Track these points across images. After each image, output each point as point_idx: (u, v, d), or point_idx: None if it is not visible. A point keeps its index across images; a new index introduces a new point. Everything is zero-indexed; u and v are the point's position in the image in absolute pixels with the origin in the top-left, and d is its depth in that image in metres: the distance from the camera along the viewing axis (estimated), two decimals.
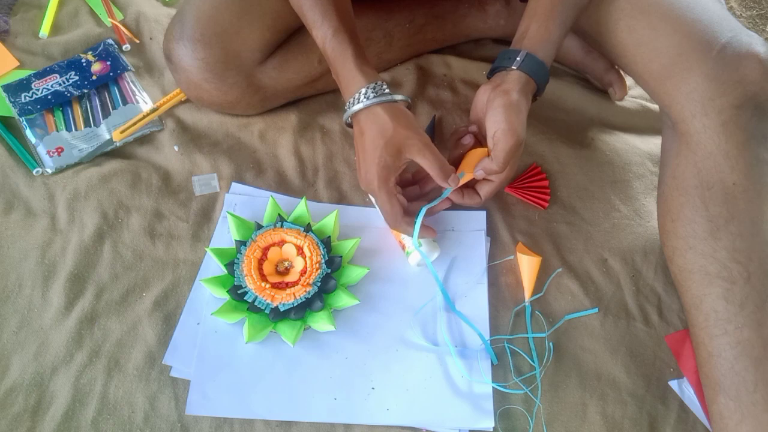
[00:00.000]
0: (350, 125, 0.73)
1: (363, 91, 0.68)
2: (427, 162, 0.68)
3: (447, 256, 0.78)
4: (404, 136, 0.68)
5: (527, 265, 0.76)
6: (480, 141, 0.73)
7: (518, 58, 0.69)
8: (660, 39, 0.68)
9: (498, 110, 0.67)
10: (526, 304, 0.75)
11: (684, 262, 0.68)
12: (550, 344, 0.73)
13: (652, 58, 0.69)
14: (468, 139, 0.73)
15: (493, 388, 0.69)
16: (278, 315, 0.69)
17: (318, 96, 0.91)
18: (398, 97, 0.70)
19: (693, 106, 0.66)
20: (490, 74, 0.73)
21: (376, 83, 0.69)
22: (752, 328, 0.64)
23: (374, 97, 0.68)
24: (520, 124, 0.67)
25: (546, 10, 0.70)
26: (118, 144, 0.84)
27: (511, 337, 0.73)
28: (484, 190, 0.73)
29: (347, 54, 0.69)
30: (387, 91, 0.69)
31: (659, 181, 0.74)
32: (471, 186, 0.74)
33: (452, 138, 0.75)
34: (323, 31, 0.70)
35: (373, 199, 0.76)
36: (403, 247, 0.76)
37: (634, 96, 0.98)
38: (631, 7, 0.71)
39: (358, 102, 0.68)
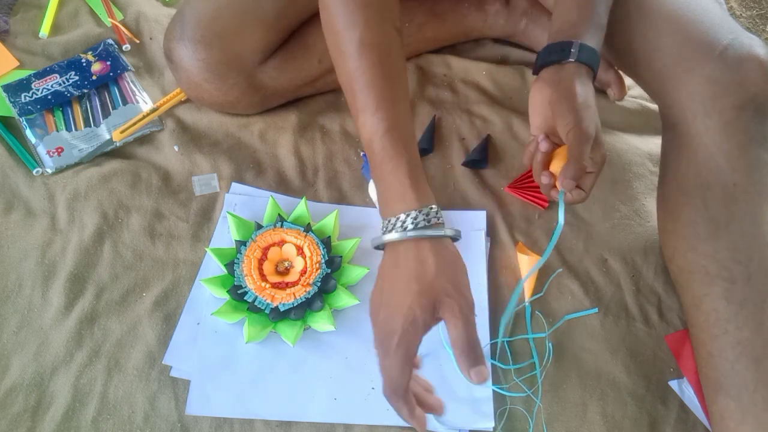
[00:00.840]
0: (380, 247, 0.58)
1: (413, 215, 0.55)
2: (458, 335, 0.52)
3: None
4: (444, 291, 0.53)
5: (527, 265, 0.76)
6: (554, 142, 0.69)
7: (573, 50, 0.64)
8: (661, 40, 0.69)
9: (566, 111, 0.63)
10: (526, 304, 0.75)
11: (684, 262, 0.68)
12: (550, 344, 0.73)
13: (654, 58, 0.69)
14: (545, 145, 0.66)
15: (492, 386, 0.70)
16: (278, 315, 0.69)
17: (318, 96, 0.91)
18: (449, 231, 0.56)
19: (694, 107, 0.66)
20: (537, 71, 0.68)
21: (430, 209, 0.55)
22: (753, 328, 0.64)
23: (424, 227, 0.54)
24: (590, 117, 0.63)
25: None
26: (118, 144, 0.84)
27: (511, 339, 0.73)
28: (587, 184, 0.66)
29: (401, 161, 0.56)
30: (441, 221, 0.56)
31: (659, 182, 0.74)
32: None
33: (526, 152, 0.69)
34: (374, 122, 0.57)
35: (384, 356, 0.54)
36: None
37: (634, 96, 0.98)
38: (632, 9, 0.71)
39: (402, 228, 0.54)
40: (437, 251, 0.55)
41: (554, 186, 0.67)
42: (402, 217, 0.55)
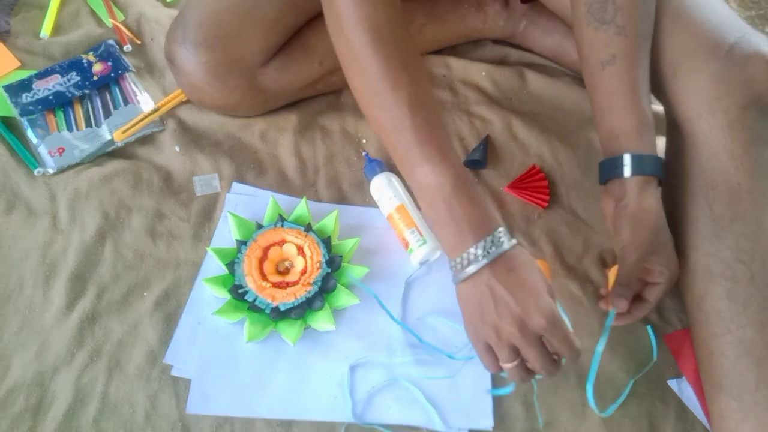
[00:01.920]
0: (464, 278, 0.60)
1: (489, 239, 0.58)
2: (558, 343, 0.57)
3: (447, 257, 0.78)
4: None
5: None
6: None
7: (626, 165, 0.64)
8: (667, 38, 0.68)
9: (620, 228, 0.64)
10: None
11: (687, 261, 0.69)
12: None
13: (660, 56, 0.69)
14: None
15: (492, 387, 0.70)
16: (279, 314, 0.69)
17: (318, 96, 0.91)
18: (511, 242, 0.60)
19: (699, 106, 0.66)
20: (603, 181, 0.68)
21: (500, 226, 0.59)
22: (755, 327, 0.64)
23: (509, 240, 0.59)
24: (641, 234, 0.63)
25: (628, 99, 0.64)
26: (119, 144, 0.84)
27: None
28: (651, 294, 0.67)
29: (476, 192, 0.60)
30: (512, 239, 0.60)
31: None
32: (638, 297, 0.68)
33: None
34: (440, 173, 0.59)
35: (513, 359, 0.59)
36: (406, 246, 0.76)
37: None
38: None
39: (507, 242, 0.58)
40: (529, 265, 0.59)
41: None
42: (496, 234, 0.58)
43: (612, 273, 0.70)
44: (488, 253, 0.58)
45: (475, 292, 0.59)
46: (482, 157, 0.86)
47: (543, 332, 0.57)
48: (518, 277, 0.58)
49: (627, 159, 0.64)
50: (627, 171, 0.64)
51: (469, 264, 0.58)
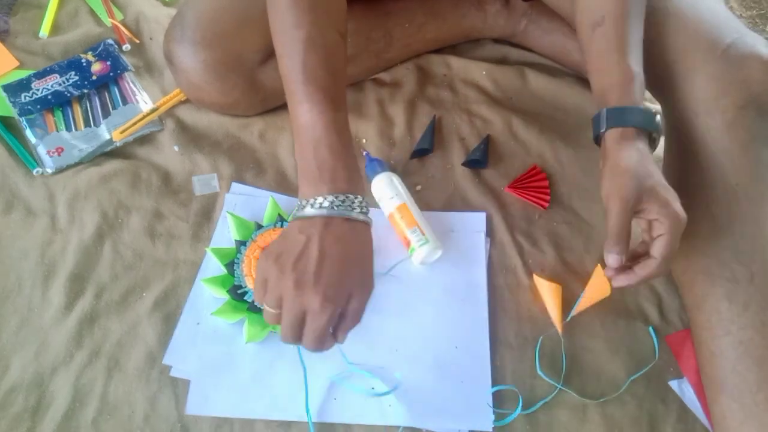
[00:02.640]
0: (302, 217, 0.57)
1: (341, 197, 0.56)
2: (350, 316, 0.56)
3: (447, 257, 0.78)
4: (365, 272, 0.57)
5: (548, 291, 0.74)
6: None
7: (601, 119, 0.61)
8: (664, 39, 0.68)
9: (603, 179, 0.60)
10: (561, 337, 0.73)
11: (687, 262, 0.68)
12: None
13: (656, 57, 0.69)
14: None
15: (492, 386, 0.70)
16: None
17: None
18: (369, 219, 0.59)
19: (697, 106, 0.66)
20: (597, 141, 0.65)
21: (355, 195, 0.58)
22: (755, 328, 0.64)
23: (360, 210, 0.57)
24: (624, 184, 0.58)
25: (614, 59, 0.62)
26: (118, 144, 0.84)
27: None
28: (657, 250, 0.60)
29: (348, 151, 0.59)
30: (365, 206, 0.58)
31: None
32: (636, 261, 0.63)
33: None
34: (315, 114, 0.58)
35: (280, 309, 0.55)
36: (407, 245, 0.76)
37: None
38: None
39: (326, 207, 0.56)
40: (359, 231, 0.57)
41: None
42: (330, 198, 0.56)
43: (596, 273, 0.71)
44: (333, 208, 0.55)
45: (295, 233, 0.56)
46: (482, 157, 0.85)
47: (306, 314, 0.54)
48: (339, 251, 0.54)
49: (604, 113, 0.61)
50: (603, 125, 0.61)
51: (311, 207, 0.56)
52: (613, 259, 0.60)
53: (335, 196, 0.56)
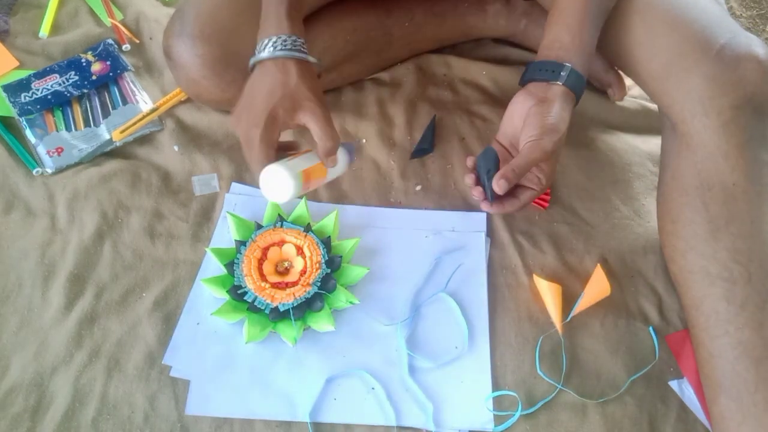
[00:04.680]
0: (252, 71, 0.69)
1: (283, 38, 0.66)
2: (318, 128, 0.65)
3: (447, 257, 0.78)
4: (306, 96, 0.65)
5: (548, 291, 0.74)
6: (508, 151, 0.72)
7: (563, 73, 0.67)
8: (658, 39, 0.69)
9: (535, 125, 0.66)
10: (561, 337, 0.73)
11: (684, 262, 0.68)
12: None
13: (651, 58, 0.69)
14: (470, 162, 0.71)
15: (493, 387, 0.70)
16: (278, 315, 0.69)
17: None
18: (312, 59, 0.68)
19: (693, 107, 0.66)
20: (524, 82, 0.71)
21: (297, 37, 0.66)
22: (753, 328, 0.64)
23: (291, 49, 0.66)
24: (552, 140, 0.65)
25: (577, 20, 0.68)
26: (117, 144, 0.84)
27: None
28: (523, 197, 0.70)
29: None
30: (305, 50, 0.67)
31: (659, 182, 0.74)
32: (511, 193, 0.71)
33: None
34: None
35: (244, 150, 0.67)
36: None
37: (634, 96, 0.98)
38: (628, 8, 0.71)
39: (272, 48, 0.66)
40: (301, 69, 0.66)
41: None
42: (274, 39, 0.66)
43: (596, 273, 0.73)
44: (284, 47, 0.65)
45: (254, 76, 0.68)
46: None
47: (245, 140, 0.65)
48: (261, 80, 0.66)
49: (566, 69, 0.67)
50: (562, 79, 0.66)
51: (264, 50, 0.66)
52: (503, 185, 0.66)
53: (268, 39, 0.66)
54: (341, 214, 0.79)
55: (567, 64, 0.67)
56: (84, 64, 0.90)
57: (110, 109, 0.88)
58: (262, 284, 0.71)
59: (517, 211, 0.72)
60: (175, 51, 0.79)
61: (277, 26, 0.66)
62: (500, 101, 0.93)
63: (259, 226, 0.76)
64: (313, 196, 0.82)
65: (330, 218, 0.77)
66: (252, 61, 0.68)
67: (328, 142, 0.65)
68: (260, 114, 0.64)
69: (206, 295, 0.73)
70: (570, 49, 0.68)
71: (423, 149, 0.87)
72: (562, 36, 0.68)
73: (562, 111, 0.67)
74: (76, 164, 0.82)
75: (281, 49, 0.65)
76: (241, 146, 0.67)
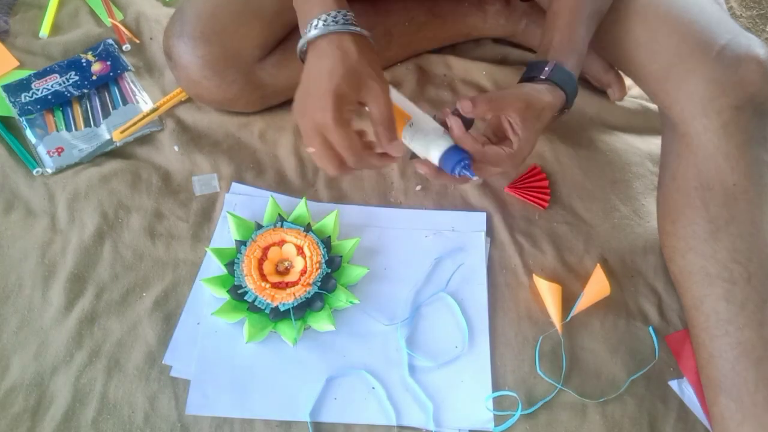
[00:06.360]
0: (303, 57, 0.64)
1: (332, 14, 0.60)
2: (379, 111, 0.59)
3: (447, 257, 0.78)
4: (368, 74, 0.59)
5: (548, 291, 0.74)
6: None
7: (547, 68, 0.66)
8: (658, 40, 0.69)
9: (519, 86, 0.65)
10: (561, 337, 0.73)
11: (684, 263, 0.68)
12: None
13: (651, 59, 0.69)
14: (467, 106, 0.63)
15: (493, 387, 0.70)
16: (278, 315, 0.69)
17: None
18: (366, 33, 0.62)
19: (693, 107, 0.66)
20: (531, 79, 0.69)
21: (347, 11, 0.61)
22: (753, 328, 0.64)
23: (343, 23, 0.60)
24: (532, 95, 0.63)
25: (567, 22, 0.68)
26: (118, 144, 0.84)
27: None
28: (491, 148, 0.64)
29: None
30: (357, 23, 0.62)
31: (659, 182, 0.74)
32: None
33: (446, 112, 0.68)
34: None
35: (315, 145, 0.60)
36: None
37: (634, 96, 0.98)
38: (628, 9, 0.71)
39: (326, 25, 0.60)
40: (359, 42, 0.60)
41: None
42: (323, 16, 0.60)
43: (596, 273, 0.72)
44: (336, 23, 0.60)
45: (310, 58, 0.62)
46: None
47: (324, 133, 0.58)
48: (318, 61, 0.60)
49: (550, 65, 0.66)
50: (545, 74, 0.66)
51: (314, 29, 0.61)
52: (466, 107, 0.62)
53: (317, 18, 0.60)
54: (341, 214, 0.79)
55: (551, 61, 0.66)
56: (84, 64, 0.90)
57: (110, 109, 0.88)
58: (263, 284, 0.71)
59: (478, 160, 0.64)
60: (175, 52, 0.79)
61: (321, 3, 0.61)
62: None
63: (260, 226, 0.76)
64: (313, 196, 0.82)
65: (330, 218, 0.77)
66: (301, 43, 0.63)
67: (388, 126, 0.60)
68: (325, 96, 0.57)
69: (206, 295, 0.73)
70: (559, 48, 0.67)
71: None
72: (553, 37, 0.68)
73: (548, 92, 0.65)
74: (77, 164, 0.82)
75: (333, 25, 0.60)
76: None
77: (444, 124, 0.65)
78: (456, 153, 0.62)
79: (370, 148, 0.61)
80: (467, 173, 0.62)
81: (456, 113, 0.63)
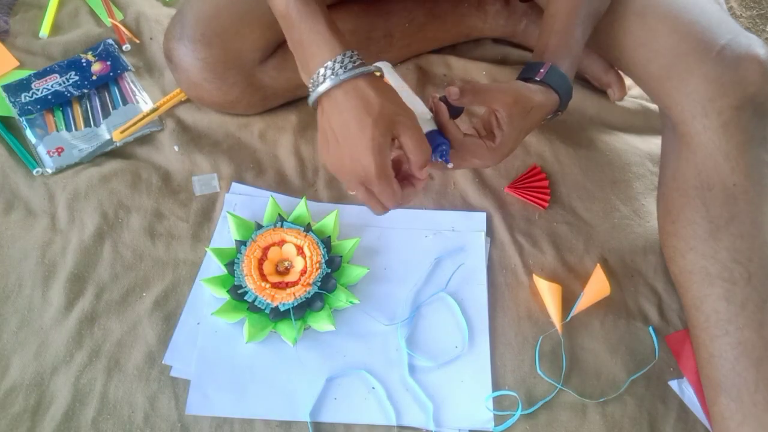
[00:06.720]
0: (315, 105, 0.61)
1: (339, 59, 0.58)
2: (413, 144, 0.58)
3: (447, 257, 0.78)
4: (394, 111, 0.58)
5: (548, 291, 0.74)
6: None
7: (542, 70, 0.66)
8: (658, 40, 0.69)
9: (512, 91, 0.64)
10: (561, 337, 0.73)
11: (684, 262, 0.68)
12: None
13: (651, 59, 0.69)
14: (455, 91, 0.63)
15: (493, 387, 0.70)
16: (278, 315, 0.69)
17: None
18: (373, 68, 0.60)
19: (693, 107, 0.66)
20: (527, 79, 0.69)
21: (352, 52, 0.59)
22: (753, 328, 0.64)
23: (353, 67, 0.57)
24: (520, 90, 0.63)
25: (564, 24, 0.68)
26: (118, 144, 0.84)
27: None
28: (473, 140, 0.65)
29: (318, 17, 0.59)
30: (362, 61, 0.59)
31: (659, 182, 0.74)
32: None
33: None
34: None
35: (359, 195, 0.61)
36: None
37: (634, 96, 0.98)
38: (627, 9, 0.71)
39: (335, 74, 0.57)
40: (374, 84, 0.58)
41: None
42: (329, 64, 0.58)
43: (596, 273, 0.72)
44: (345, 69, 0.57)
45: (327, 112, 0.59)
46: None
47: (366, 182, 0.58)
48: (341, 116, 0.57)
49: (546, 66, 0.66)
50: (540, 75, 0.66)
51: (324, 80, 0.58)
52: (452, 93, 0.62)
53: (324, 68, 0.58)
54: (341, 214, 0.79)
55: (546, 63, 0.66)
56: (84, 64, 0.90)
57: (110, 109, 0.88)
58: (263, 284, 0.71)
59: (457, 148, 0.65)
60: (176, 54, 0.79)
61: (327, 48, 0.58)
62: None
63: (260, 226, 0.76)
64: (313, 196, 0.82)
65: (330, 218, 0.77)
66: (314, 96, 0.59)
67: (422, 155, 0.59)
68: (364, 153, 0.57)
69: (206, 295, 0.73)
70: (554, 51, 0.67)
71: None
72: (549, 40, 0.68)
73: (541, 93, 0.65)
74: (77, 164, 0.82)
75: (343, 73, 0.57)
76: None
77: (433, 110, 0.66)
78: (436, 137, 0.63)
79: (408, 179, 0.62)
80: (443, 159, 0.63)
81: (444, 100, 0.64)
